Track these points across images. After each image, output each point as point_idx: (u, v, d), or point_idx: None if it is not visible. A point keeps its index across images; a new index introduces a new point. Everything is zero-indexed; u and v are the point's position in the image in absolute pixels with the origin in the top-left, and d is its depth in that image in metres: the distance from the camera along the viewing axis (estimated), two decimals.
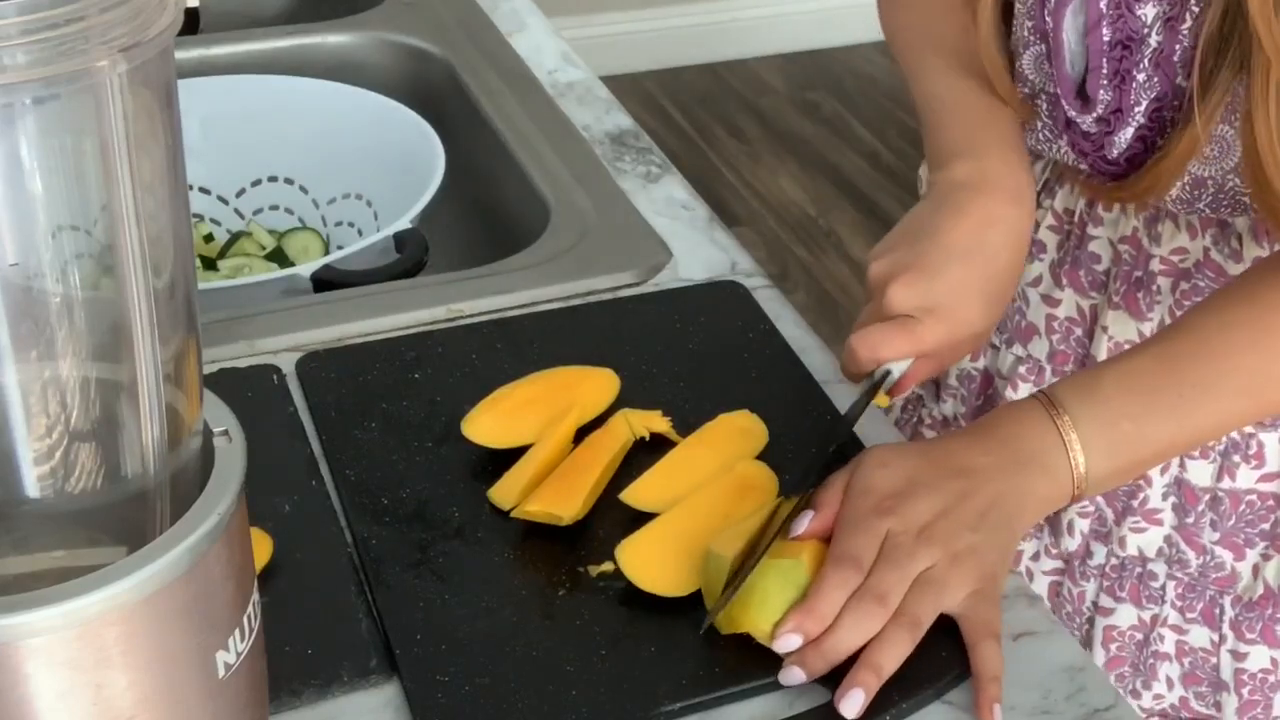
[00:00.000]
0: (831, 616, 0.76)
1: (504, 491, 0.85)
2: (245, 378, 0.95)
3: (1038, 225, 1.04)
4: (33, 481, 0.54)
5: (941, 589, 0.77)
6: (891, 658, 0.75)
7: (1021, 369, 1.06)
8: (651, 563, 0.80)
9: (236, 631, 0.57)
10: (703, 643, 0.77)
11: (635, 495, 0.85)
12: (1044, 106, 0.96)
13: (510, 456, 0.87)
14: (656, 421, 0.90)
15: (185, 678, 0.56)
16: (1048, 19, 0.92)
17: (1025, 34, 0.95)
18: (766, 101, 3.48)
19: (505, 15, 1.47)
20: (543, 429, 0.89)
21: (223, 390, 0.60)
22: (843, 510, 0.80)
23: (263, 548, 0.81)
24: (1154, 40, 0.87)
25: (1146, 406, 0.83)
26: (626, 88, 3.37)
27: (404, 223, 1.09)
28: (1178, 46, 0.86)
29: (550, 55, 1.40)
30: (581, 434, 0.90)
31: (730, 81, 3.57)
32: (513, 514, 0.84)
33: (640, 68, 3.55)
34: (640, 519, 0.83)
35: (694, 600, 0.79)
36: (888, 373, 0.86)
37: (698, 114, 3.45)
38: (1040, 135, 0.97)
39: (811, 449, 0.88)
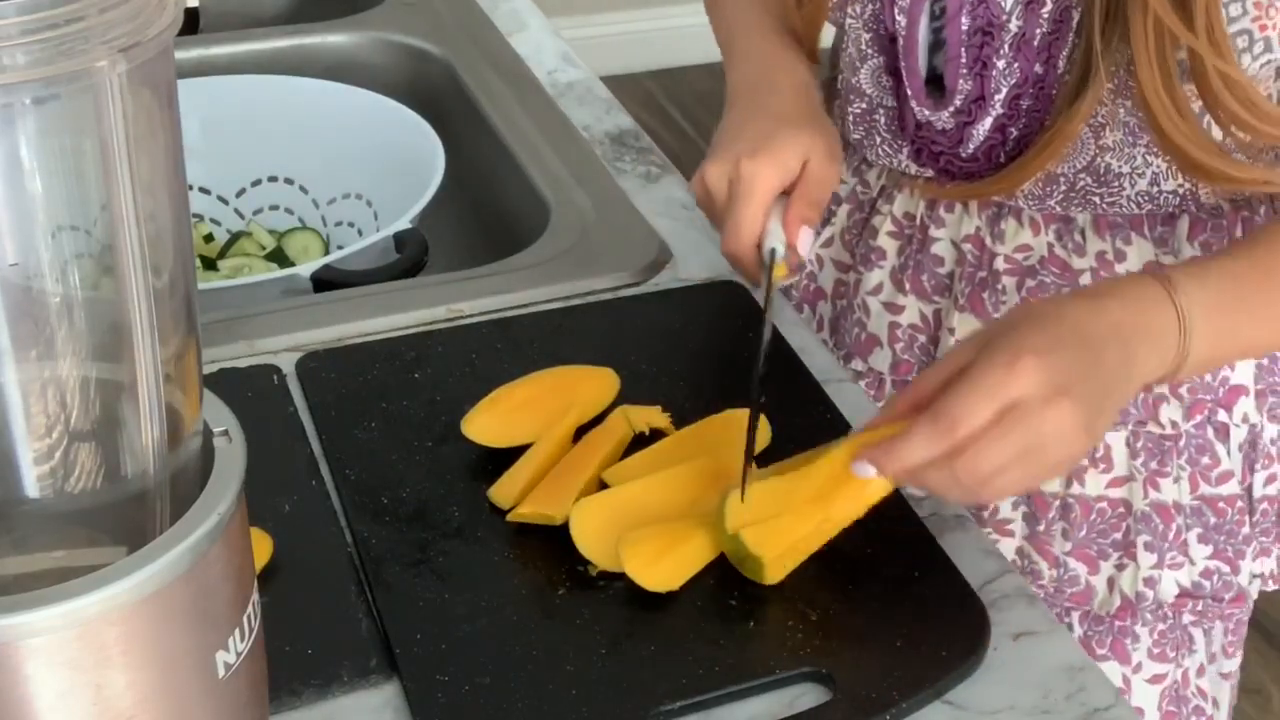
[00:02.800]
0: (911, 467, 0.76)
1: (503, 491, 0.85)
2: (245, 378, 0.95)
3: (876, 232, 1.03)
4: (33, 481, 0.54)
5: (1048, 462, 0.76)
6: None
7: (862, 383, 1.05)
8: (598, 531, 0.81)
9: (236, 631, 0.57)
10: (703, 643, 0.77)
11: (616, 475, 0.86)
12: (881, 120, 0.96)
13: (510, 456, 0.87)
14: (656, 417, 0.90)
15: (185, 678, 0.56)
16: (899, 19, 0.92)
17: (862, 48, 0.95)
18: None
19: (505, 15, 1.47)
20: (542, 429, 0.89)
21: (223, 390, 0.60)
22: (971, 368, 0.76)
23: (263, 548, 0.81)
24: (1014, 25, 0.87)
25: (1242, 303, 0.83)
26: (626, 88, 3.36)
27: (404, 223, 1.09)
28: (1038, 31, 0.87)
29: (550, 55, 1.40)
30: (582, 434, 0.90)
31: None
32: (507, 518, 0.84)
33: (640, 68, 3.55)
34: None
35: (694, 600, 0.79)
36: (773, 251, 0.87)
37: (698, 114, 3.45)
38: (880, 150, 0.97)
39: (749, 357, 0.89)
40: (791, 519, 0.79)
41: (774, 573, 0.79)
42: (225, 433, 0.59)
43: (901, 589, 0.81)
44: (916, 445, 0.75)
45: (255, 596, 0.59)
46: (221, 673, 0.57)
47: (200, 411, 0.58)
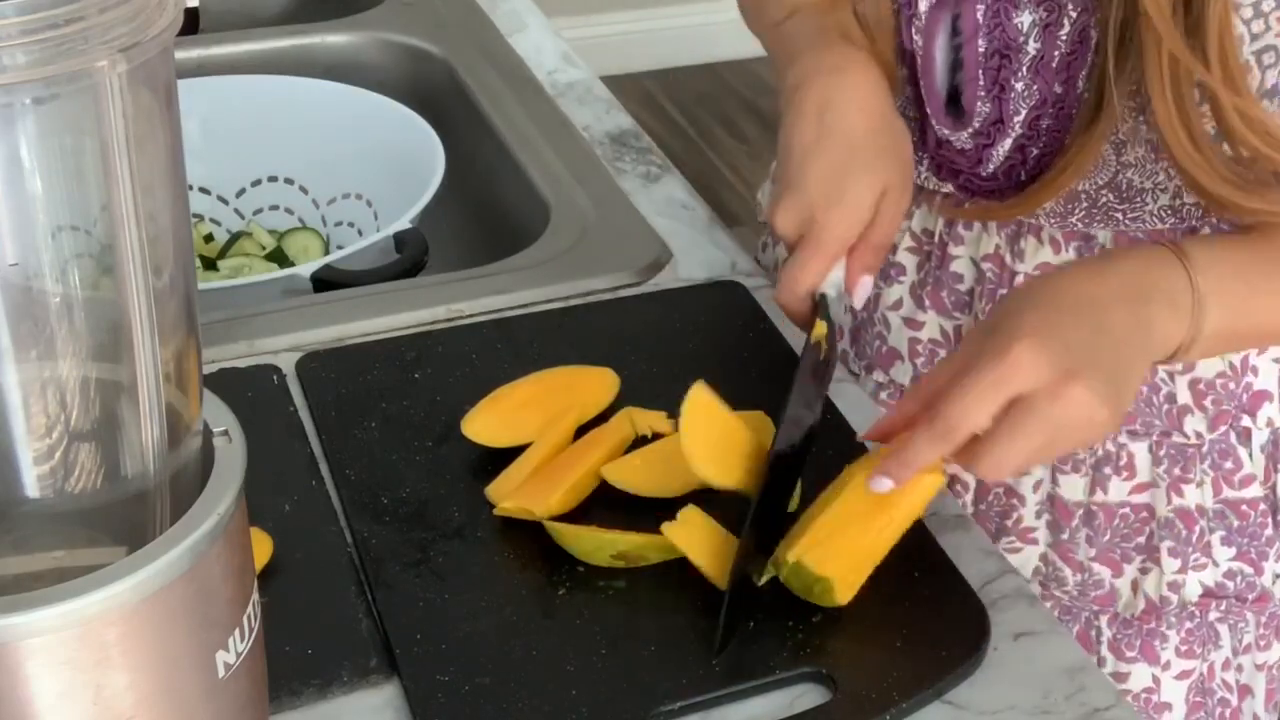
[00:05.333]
0: (920, 467, 0.75)
1: (500, 491, 0.85)
2: (245, 378, 0.95)
3: (895, 247, 1.02)
4: (33, 481, 0.54)
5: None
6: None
7: (883, 395, 1.05)
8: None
9: (236, 631, 0.57)
10: (702, 643, 0.77)
11: (616, 472, 0.86)
12: None
13: (510, 456, 0.87)
14: (660, 422, 0.90)
15: (185, 678, 0.56)
16: (916, 38, 0.91)
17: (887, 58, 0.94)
18: (766, 101, 3.48)
19: (505, 15, 1.47)
20: (542, 428, 0.89)
21: (223, 390, 0.60)
22: (969, 363, 0.75)
23: (263, 548, 0.81)
24: (1031, 48, 0.87)
25: (1256, 273, 0.82)
26: (626, 88, 3.37)
27: (404, 223, 1.09)
28: (1056, 53, 0.86)
29: (550, 55, 1.40)
30: (582, 434, 0.90)
31: (730, 81, 3.57)
32: (494, 512, 0.84)
33: (640, 68, 3.55)
34: (636, 511, 0.83)
35: (694, 600, 0.79)
36: (823, 296, 0.85)
37: (698, 114, 3.45)
38: None
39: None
40: (853, 532, 0.78)
41: (844, 592, 0.78)
42: (225, 433, 0.59)
43: (901, 589, 0.81)
44: (921, 450, 0.75)
45: (255, 596, 0.59)
46: (221, 673, 0.57)
47: (200, 411, 0.58)
